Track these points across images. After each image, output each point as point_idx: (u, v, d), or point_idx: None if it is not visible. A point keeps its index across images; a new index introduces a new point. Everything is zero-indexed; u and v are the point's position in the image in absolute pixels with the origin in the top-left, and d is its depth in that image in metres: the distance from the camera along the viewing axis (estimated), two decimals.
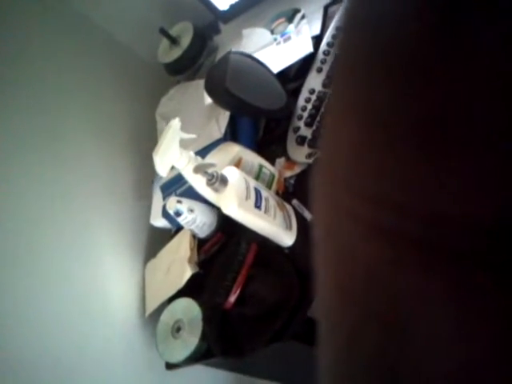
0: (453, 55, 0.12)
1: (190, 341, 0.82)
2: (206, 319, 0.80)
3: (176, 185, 0.99)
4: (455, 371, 0.13)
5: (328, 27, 0.93)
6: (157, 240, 1.05)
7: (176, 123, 0.72)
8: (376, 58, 0.14)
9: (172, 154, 0.71)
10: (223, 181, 0.67)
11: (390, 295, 0.15)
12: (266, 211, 0.71)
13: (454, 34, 0.12)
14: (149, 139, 1.13)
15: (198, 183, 0.76)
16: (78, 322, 0.83)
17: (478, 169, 0.12)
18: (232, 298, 0.75)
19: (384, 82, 0.14)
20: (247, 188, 0.70)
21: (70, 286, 0.84)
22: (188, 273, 0.86)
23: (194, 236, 0.93)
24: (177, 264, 0.92)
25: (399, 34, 0.13)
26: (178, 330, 0.85)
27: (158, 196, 1.04)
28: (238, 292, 0.75)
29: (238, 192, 0.68)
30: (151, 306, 0.94)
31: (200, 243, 0.93)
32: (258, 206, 0.70)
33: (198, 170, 0.66)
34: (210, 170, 0.67)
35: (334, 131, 0.17)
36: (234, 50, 0.85)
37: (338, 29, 0.88)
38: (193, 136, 0.75)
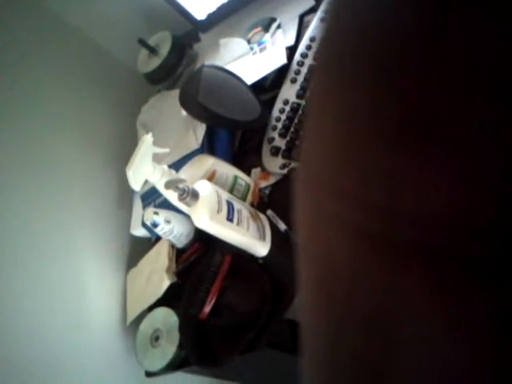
0: (442, 56, 0.12)
1: (168, 350, 0.83)
2: (182, 329, 0.81)
3: (155, 194, 1.00)
4: (442, 373, 0.13)
5: (303, 37, 0.94)
6: (138, 248, 1.06)
7: (149, 138, 0.73)
8: (361, 58, 0.14)
9: (145, 169, 0.72)
10: (194, 195, 0.68)
11: (374, 298, 0.14)
12: (238, 223, 0.73)
13: (443, 34, 0.12)
14: (130, 147, 1.13)
15: (172, 197, 0.77)
16: (59, 331, 0.85)
17: (469, 170, 0.11)
18: (206, 309, 0.76)
19: (370, 83, 0.13)
20: (219, 201, 0.71)
21: (50, 295, 0.86)
22: (166, 282, 0.88)
23: (172, 246, 0.94)
24: (156, 273, 0.93)
25: (387, 34, 0.13)
26: (157, 338, 0.86)
27: (138, 205, 1.05)
28: (212, 303, 0.76)
29: (210, 206, 0.69)
30: (132, 314, 0.95)
31: (179, 253, 0.94)
32: (230, 218, 0.71)
33: (169, 185, 0.67)
34: (181, 185, 0.68)
35: (315, 134, 0.17)
36: (207, 62, 0.86)
37: (316, 34, 0.89)
38: (166, 150, 0.76)
